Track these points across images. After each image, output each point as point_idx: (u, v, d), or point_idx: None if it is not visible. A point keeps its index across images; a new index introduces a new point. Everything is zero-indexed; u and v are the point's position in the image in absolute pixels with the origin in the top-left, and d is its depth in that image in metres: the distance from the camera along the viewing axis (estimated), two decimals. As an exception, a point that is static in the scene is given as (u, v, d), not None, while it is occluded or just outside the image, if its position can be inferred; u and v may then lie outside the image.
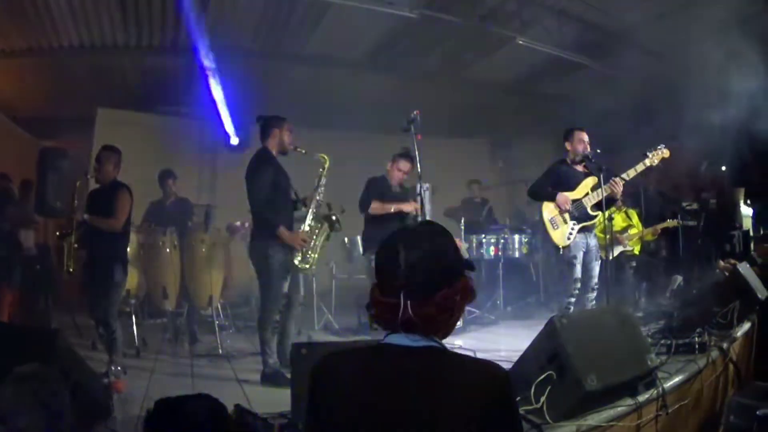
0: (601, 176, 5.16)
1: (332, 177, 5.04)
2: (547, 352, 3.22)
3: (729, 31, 7.44)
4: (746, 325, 5.21)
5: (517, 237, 7.83)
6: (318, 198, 5.00)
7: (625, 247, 7.42)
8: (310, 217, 4.92)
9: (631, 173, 5.36)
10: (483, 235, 7.70)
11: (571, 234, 5.35)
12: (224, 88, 7.68)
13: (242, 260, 7.51)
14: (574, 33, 7.86)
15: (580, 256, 5.35)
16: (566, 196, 5.41)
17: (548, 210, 5.49)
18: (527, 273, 8.44)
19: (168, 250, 6.41)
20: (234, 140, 8.51)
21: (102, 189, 4.99)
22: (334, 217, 5.10)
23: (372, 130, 8.91)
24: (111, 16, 6.91)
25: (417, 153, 4.86)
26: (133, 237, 6.19)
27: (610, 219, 7.23)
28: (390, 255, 1.53)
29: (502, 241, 7.71)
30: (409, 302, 1.47)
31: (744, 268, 5.50)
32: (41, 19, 6.77)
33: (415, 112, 4.49)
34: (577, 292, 5.33)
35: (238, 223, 7.13)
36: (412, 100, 8.98)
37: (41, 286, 6.82)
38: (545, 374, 3.11)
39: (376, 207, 5.97)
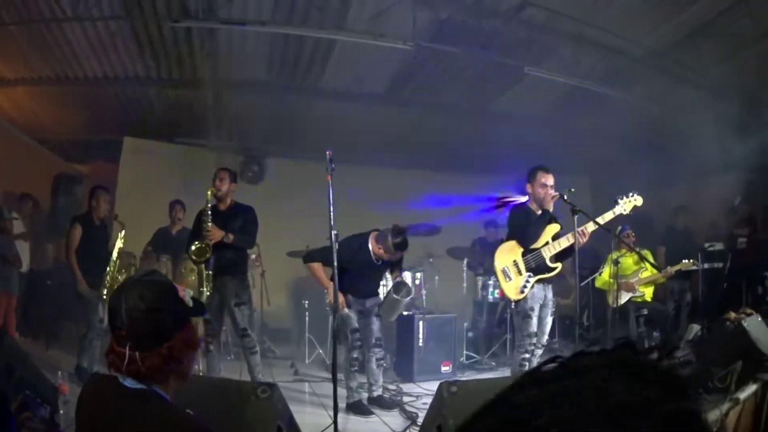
0: (575, 219, 4.64)
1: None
2: (435, 422, 3.04)
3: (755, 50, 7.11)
4: (750, 390, 4.44)
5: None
6: None
7: (634, 293, 6.98)
8: None
9: (600, 221, 4.83)
10: (488, 277, 7.43)
11: (525, 287, 4.87)
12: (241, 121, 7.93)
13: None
14: (591, 60, 7.59)
15: (537, 308, 4.88)
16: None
17: (501, 259, 5.00)
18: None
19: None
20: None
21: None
22: None
23: (392, 164, 8.93)
24: (128, 49, 7.25)
25: (330, 196, 4.19)
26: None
27: (616, 263, 7.01)
28: (114, 308, 1.60)
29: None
30: (137, 353, 1.55)
31: (753, 322, 4.86)
32: (63, 50, 7.20)
33: (328, 153, 4.10)
34: (532, 348, 4.90)
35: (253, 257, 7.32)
36: (432, 134, 9.21)
37: (46, 298, 7.26)
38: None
39: (318, 276, 5.50)
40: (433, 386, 3.41)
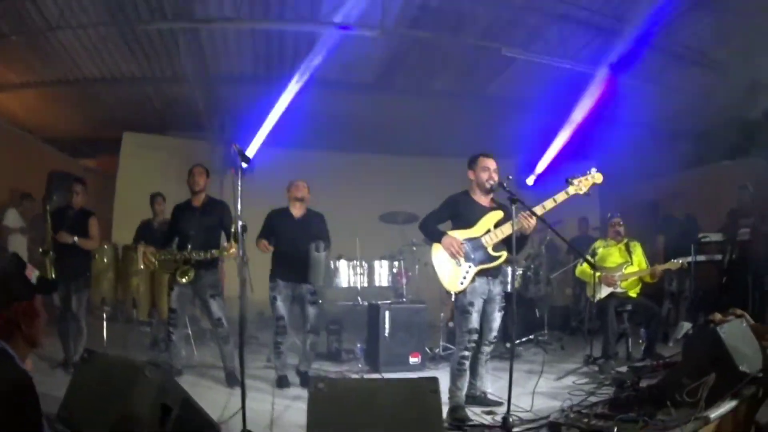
0: (514, 209, 4.29)
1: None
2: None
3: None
4: (724, 408, 3.84)
5: (509, 269, 7.28)
6: None
7: (614, 288, 6.39)
8: None
9: (549, 204, 4.47)
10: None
11: (464, 278, 4.54)
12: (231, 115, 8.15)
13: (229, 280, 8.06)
14: (582, 43, 7.28)
15: (478, 303, 4.55)
16: (454, 239, 4.56)
17: (438, 251, 4.66)
18: (530, 309, 7.82)
19: (140, 265, 7.00)
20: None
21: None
22: None
23: (386, 151, 8.95)
24: (120, 51, 7.58)
25: (238, 190, 4.26)
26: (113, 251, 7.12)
27: (593, 255, 6.64)
28: None
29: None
30: None
31: (732, 329, 4.22)
32: (59, 54, 7.60)
33: (234, 146, 4.15)
34: (473, 345, 4.59)
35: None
36: (427, 119, 9.15)
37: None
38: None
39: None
40: (398, 377, 3.38)
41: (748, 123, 7.07)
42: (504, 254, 4.62)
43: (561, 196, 4.51)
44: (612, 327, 6.22)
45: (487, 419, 4.37)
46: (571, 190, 4.52)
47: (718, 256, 7.19)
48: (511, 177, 4.60)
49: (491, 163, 4.67)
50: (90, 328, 5.97)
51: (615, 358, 6.13)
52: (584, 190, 4.53)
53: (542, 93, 8.27)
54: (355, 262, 6.99)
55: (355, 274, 7.04)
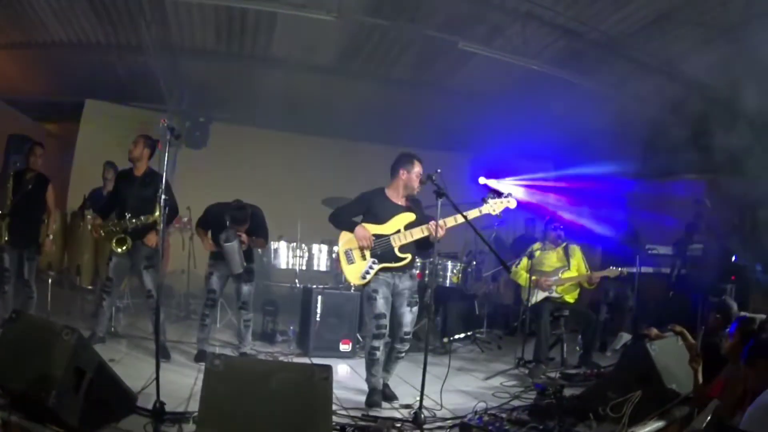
0: (439, 202, 4.27)
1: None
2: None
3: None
4: (651, 427, 3.82)
5: (449, 264, 7.24)
6: None
7: (549, 293, 6.26)
8: None
9: (459, 219, 4.45)
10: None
11: (368, 273, 4.59)
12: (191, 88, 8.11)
13: (174, 251, 8.03)
14: (543, 43, 7.18)
15: (383, 290, 4.56)
16: (366, 231, 4.61)
17: (345, 240, 4.70)
18: (470, 306, 7.70)
19: (85, 233, 7.00)
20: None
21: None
22: None
23: (343, 136, 8.90)
24: (86, 16, 7.53)
25: (164, 163, 4.19)
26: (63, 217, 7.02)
27: (531, 256, 6.54)
28: None
29: (430, 266, 6.92)
30: None
31: (665, 347, 4.10)
32: (30, 17, 7.54)
33: (162, 121, 4.16)
34: (385, 331, 4.58)
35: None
36: (382, 107, 9.11)
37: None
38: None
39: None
40: (327, 363, 3.29)
41: (709, 139, 6.93)
42: (409, 256, 4.65)
43: (473, 213, 4.54)
44: (546, 331, 6.10)
45: (404, 413, 4.30)
46: (484, 209, 4.61)
47: (667, 270, 7.06)
48: (440, 170, 4.45)
49: (416, 167, 4.70)
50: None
51: (548, 363, 6.02)
52: (497, 211, 4.66)
53: (502, 90, 8.19)
54: (294, 244, 6.96)
55: (294, 256, 7.01)
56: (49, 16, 7.56)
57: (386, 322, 4.58)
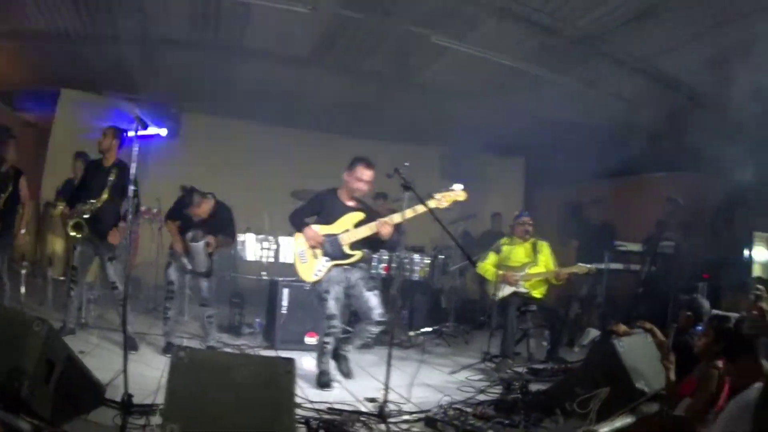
0: (406, 196, 4.60)
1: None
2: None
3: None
4: (617, 424, 3.75)
5: (417, 257, 7.23)
6: None
7: (517, 288, 6.30)
8: None
9: (408, 214, 4.67)
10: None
11: (320, 271, 4.95)
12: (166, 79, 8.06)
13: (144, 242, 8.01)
14: (519, 38, 7.13)
15: (334, 290, 4.90)
16: (315, 232, 4.94)
17: (299, 241, 5.06)
18: (436, 299, 7.76)
19: (58, 224, 6.98)
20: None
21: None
22: None
23: (315, 128, 8.89)
24: (65, 5, 7.49)
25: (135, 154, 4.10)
26: (36, 208, 6.93)
27: (498, 251, 6.53)
28: None
29: (397, 259, 7.06)
30: None
31: (632, 344, 4.12)
32: (9, 3, 7.50)
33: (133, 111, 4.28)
34: (335, 330, 4.88)
35: (145, 208, 7.45)
36: (355, 100, 9.08)
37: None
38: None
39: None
40: (293, 356, 3.39)
41: (683, 136, 6.91)
42: (358, 253, 4.99)
43: (420, 208, 4.62)
44: (512, 326, 6.16)
45: (369, 406, 4.35)
46: (431, 203, 4.68)
47: (637, 266, 7.05)
48: (407, 164, 4.60)
49: (368, 175, 4.92)
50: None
51: (514, 358, 6.05)
52: (445, 204, 4.77)
53: (476, 85, 8.15)
54: (262, 236, 6.95)
55: (262, 248, 7.00)
56: (29, 3, 7.51)
57: (337, 322, 4.89)
